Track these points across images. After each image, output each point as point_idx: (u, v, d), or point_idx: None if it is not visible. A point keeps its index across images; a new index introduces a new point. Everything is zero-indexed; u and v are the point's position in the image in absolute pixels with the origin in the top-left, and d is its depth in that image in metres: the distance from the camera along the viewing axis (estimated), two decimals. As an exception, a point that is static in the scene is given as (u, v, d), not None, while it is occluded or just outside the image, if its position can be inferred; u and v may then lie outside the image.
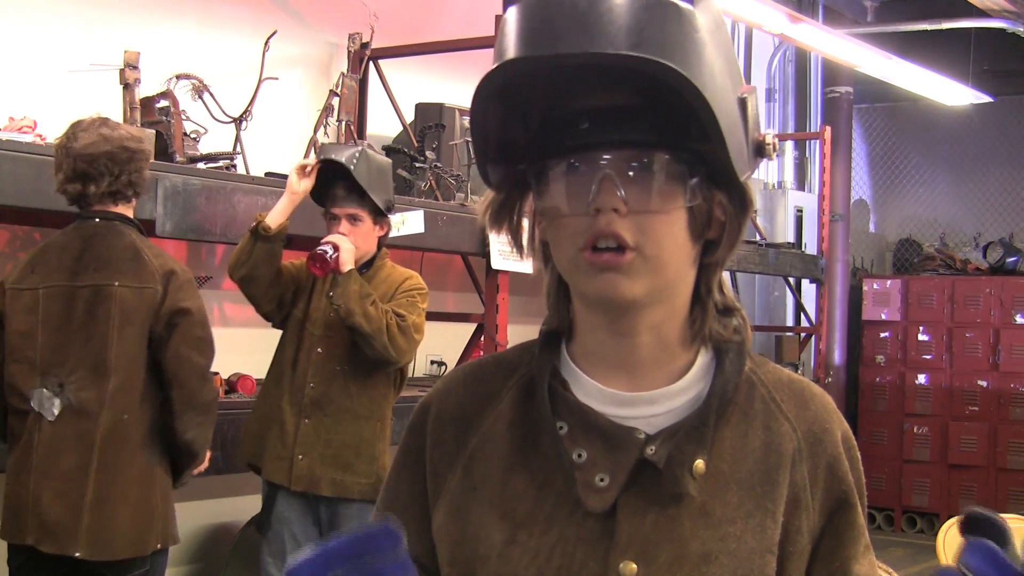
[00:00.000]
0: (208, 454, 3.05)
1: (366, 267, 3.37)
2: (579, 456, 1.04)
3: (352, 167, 3.25)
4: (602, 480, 1.03)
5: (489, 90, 0.97)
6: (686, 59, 0.93)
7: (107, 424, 2.75)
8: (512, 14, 0.96)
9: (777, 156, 7.64)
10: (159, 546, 2.84)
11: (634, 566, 1.01)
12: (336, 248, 3.23)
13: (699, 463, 1.03)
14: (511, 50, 0.95)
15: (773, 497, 1.05)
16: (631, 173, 1.00)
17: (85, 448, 2.73)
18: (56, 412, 2.72)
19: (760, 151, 1.04)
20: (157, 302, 2.79)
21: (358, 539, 0.87)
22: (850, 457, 1.10)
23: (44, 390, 2.73)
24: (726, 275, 1.13)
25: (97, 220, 2.81)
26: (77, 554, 2.68)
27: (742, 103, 1.01)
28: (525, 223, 1.11)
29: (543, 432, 1.07)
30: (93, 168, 2.73)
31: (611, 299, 1.02)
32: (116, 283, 2.76)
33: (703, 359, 1.09)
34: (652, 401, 1.06)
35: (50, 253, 2.81)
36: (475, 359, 1.21)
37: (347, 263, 3.23)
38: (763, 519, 1.04)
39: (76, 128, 2.78)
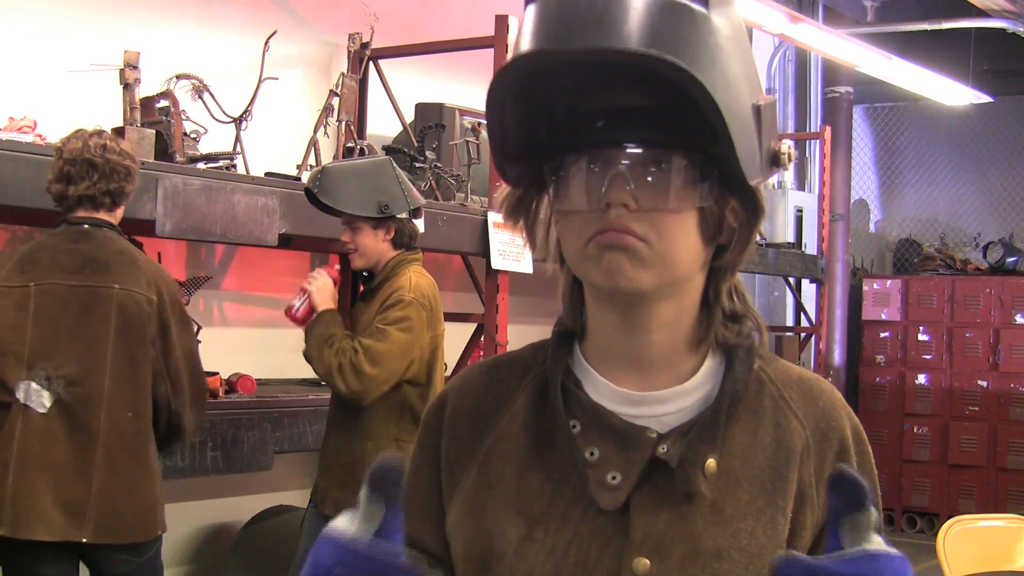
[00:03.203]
0: None
1: (370, 272, 3.37)
2: (591, 454, 1.05)
3: (316, 189, 3.28)
4: (614, 478, 1.04)
5: (504, 84, 0.99)
6: (697, 60, 0.94)
7: (111, 420, 2.84)
8: (530, 12, 0.98)
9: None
10: (160, 532, 2.99)
11: (647, 562, 1.03)
12: (305, 294, 3.31)
13: (711, 462, 1.04)
14: (526, 45, 0.97)
15: (783, 493, 1.06)
16: (643, 171, 1.01)
17: (85, 441, 2.81)
18: (47, 405, 2.80)
19: (775, 161, 1.06)
20: (156, 305, 2.92)
21: (376, 564, 0.91)
22: (859, 452, 1.12)
23: (32, 383, 2.80)
24: (742, 280, 1.14)
25: (86, 225, 2.92)
26: (84, 539, 2.79)
27: (757, 110, 1.02)
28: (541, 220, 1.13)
29: (557, 430, 1.09)
30: (74, 170, 2.89)
31: (617, 282, 1.02)
32: (116, 286, 2.87)
33: (711, 361, 1.10)
34: (663, 400, 1.07)
35: (40, 253, 2.89)
36: (491, 357, 1.22)
37: (321, 303, 3.28)
38: (774, 515, 1.05)
39: (71, 136, 2.95)
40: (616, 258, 1.01)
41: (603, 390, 1.08)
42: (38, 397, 2.80)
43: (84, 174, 2.88)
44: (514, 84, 0.99)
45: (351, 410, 3.25)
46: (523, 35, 0.98)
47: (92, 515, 2.80)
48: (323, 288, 3.31)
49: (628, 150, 1.01)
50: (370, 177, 3.34)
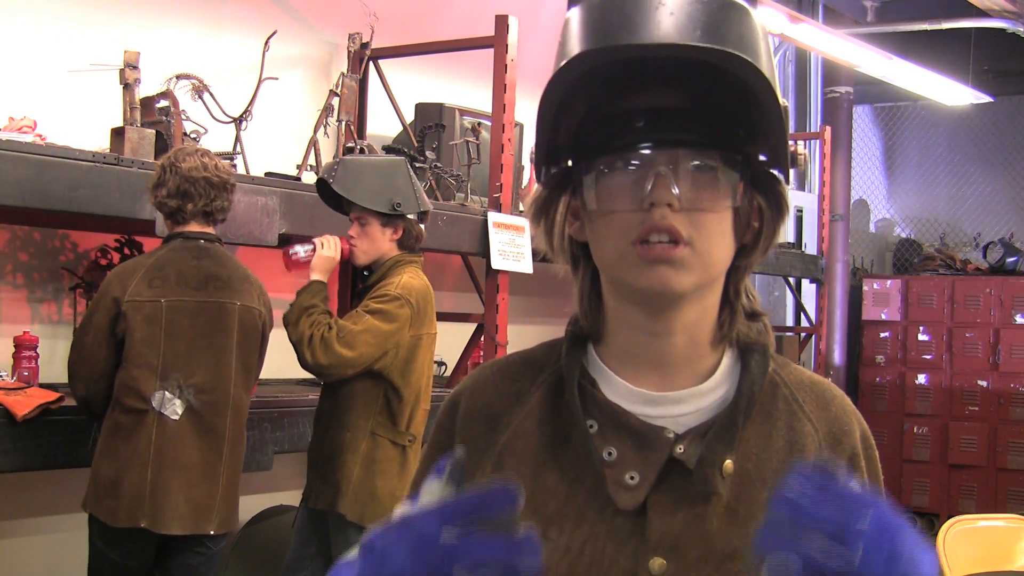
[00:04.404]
0: None
1: (370, 271, 3.38)
2: (609, 454, 1.06)
3: (331, 179, 3.29)
4: (632, 478, 1.04)
5: (564, 83, 0.98)
6: (759, 58, 0.95)
7: (235, 423, 3.15)
8: (576, 13, 0.98)
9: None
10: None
11: (663, 562, 1.03)
12: (312, 248, 3.35)
13: (728, 463, 1.05)
14: (585, 43, 0.96)
15: None
16: (686, 171, 1.02)
17: (213, 443, 3.09)
18: (180, 412, 3.04)
19: (793, 161, 1.07)
20: (264, 318, 3.25)
21: (473, 501, 0.82)
22: (867, 456, 1.13)
23: (166, 392, 3.03)
24: (750, 280, 1.15)
25: (202, 241, 3.15)
26: (212, 531, 3.09)
27: (784, 110, 1.04)
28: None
29: (573, 430, 1.09)
30: (193, 188, 3.08)
31: (662, 292, 1.03)
32: (238, 303, 3.16)
33: (728, 360, 1.10)
34: (680, 401, 1.08)
35: (166, 270, 3.08)
36: (502, 356, 1.21)
37: (318, 269, 3.33)
38: None
39: (181, 152, 3.14)
40: (663, 271, 1.02)
41: (620, 390, 1.09)
42: (171, 405, 3.03)
43: (203, 192, 3.09)
44: (573, 83, 0.98)
45: (333, 403, 3.30)
46: (572, 35, 0.98)
47: (219, 510, 3.09)
48: (327, 259, 3.35)
49: (669, 150, 1.01)
50: (386, 175, 3.37)
